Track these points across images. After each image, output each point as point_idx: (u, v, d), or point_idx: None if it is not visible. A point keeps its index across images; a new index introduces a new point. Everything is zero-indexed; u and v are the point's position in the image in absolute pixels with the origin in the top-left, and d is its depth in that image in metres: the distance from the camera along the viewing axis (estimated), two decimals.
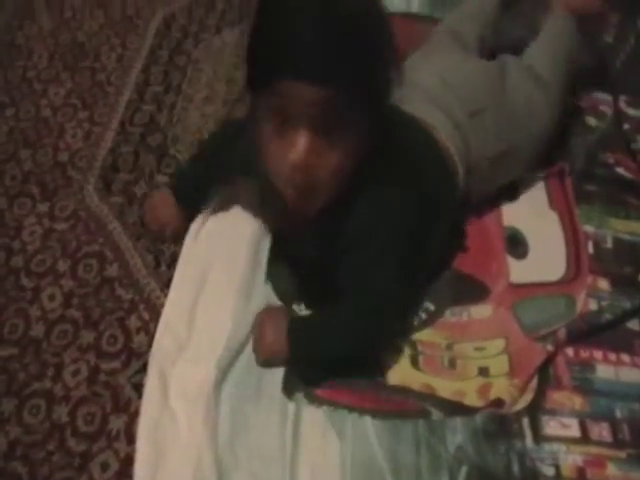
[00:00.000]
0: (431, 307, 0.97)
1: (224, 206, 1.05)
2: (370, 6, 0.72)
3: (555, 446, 0.84)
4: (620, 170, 1.14)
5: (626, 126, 1.21)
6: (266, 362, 0.89)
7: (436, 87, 1.01)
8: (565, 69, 1.14)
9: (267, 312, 0.92)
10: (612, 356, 0.92)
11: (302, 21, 0.68)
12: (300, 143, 0.71)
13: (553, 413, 0.86)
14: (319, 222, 0.82)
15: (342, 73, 0.68)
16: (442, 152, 0.95)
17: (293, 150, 0.71)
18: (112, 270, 1.03)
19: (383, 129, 0.76)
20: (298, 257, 0.96)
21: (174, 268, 1.01)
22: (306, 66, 0.68)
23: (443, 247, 0.98)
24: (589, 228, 1.06)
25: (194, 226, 1.04)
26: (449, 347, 0.93)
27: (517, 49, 1.18)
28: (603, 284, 0.99)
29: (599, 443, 0.84)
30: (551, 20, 1.20)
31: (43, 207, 1.13)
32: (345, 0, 0.69)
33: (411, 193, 0.83)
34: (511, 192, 1.09)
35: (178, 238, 1.03)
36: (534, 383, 0.89)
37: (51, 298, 1.01)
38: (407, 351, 0.92)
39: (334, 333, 0.87)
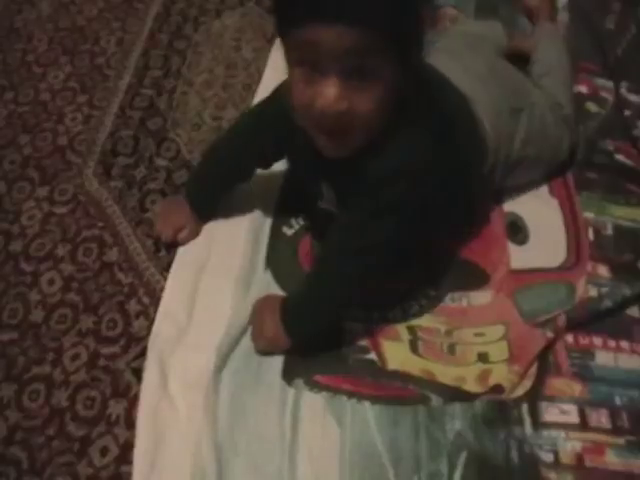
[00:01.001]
0: (431, 292, 0.96)
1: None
2: None
3: (554, 432, 0.84)
4: (620, 157, 1.14)
5: (627, 112, 1.21)
6: (265, 351, 0.89)
7: (485, 72, 1.01)
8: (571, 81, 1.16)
9: (265, 301, 0.92)
10: (611, 343, 0.92)
11: None
12: (329, 89, 0.70)
13: (552, 400, 0.87)
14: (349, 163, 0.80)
15: (373, 15, 0.67)
16: (477, 124, 0.94)
17: (323, 96, 0.70)
18: (112, 254, 1.03)
19: (417, 80, 0.75)
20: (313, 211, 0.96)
21: (173, 253, 1.01)
22: (334, 8, 0.66)
23: (453, 229, 0.98)
24: (589, 215, 1.06)
25: None
26: (448, 333, 0.93)
27: None
28: (603, 271, 0.99)
29: (598, 430, 0.84)
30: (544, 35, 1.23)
31: (42, 191, 1.13)
32: None
33: (442, 147, 0.81)
34: None
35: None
36: (533, 369, 0.89)
37: (50, 282, 1.00)
38: (406, 336, 0.92)
39: (322, 288, 0.88)
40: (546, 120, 1.03)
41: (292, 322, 0.88)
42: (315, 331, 0.90)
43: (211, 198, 1.03)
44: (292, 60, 0.73)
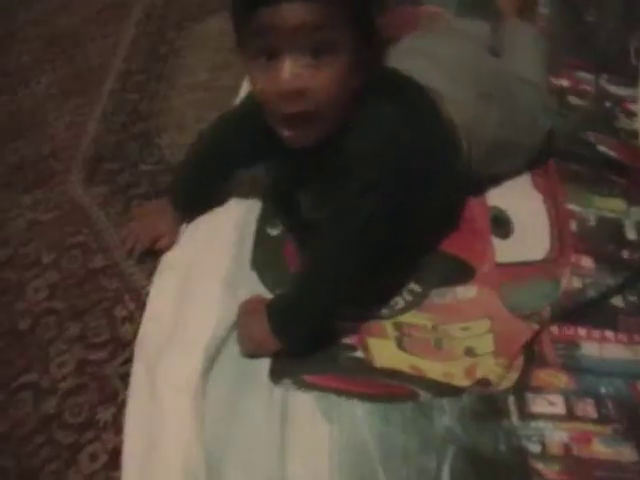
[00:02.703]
0: (416, 288, 0.97)
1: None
2: None
3: (541, 423, 0.84)
4: (602, 148, 1.14)
5: (608, 104, 1.21)
6: (253, 355, 0.89)
7: (451, 61, 1.01)
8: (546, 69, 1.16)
9: (249, 304, 0.92)
10: (596, 333, 0.92)
11: None
12: (282, 70, 0.70)
13: (539, 391, 0.87)
14: (316, 156, 0.80)
15: None
16: (445, 120, 0.94)
17: (279, 78, 0.70)
18: (97, 260, 1.03)
19: (379, 60, 0.75)
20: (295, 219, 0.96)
21: (158, 257, 1.00)
22: None
23: (434, 221, 0.98)
24: (573, 207, 1.06)
25: None
26: (435, 328, 0.93)
27: None
28: (587, 262, 1.00)
29: (584, 419, 0.84)
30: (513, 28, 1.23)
31: (26, 199, 1.13)
32: None
33: (412, 130, 0.81)
34: None
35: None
36: (519, 362, 0.89)
37: (36, 291, 1.00)
38: (393, 333, 0.92)
39: (313, 286, 0.87)
40: (519, 102, 1.03)
41: (281, 325, 0.87)
42: (306, 333, 0.89)
43: (195, 196, 1.03)
44: (249, 56, 0.74)
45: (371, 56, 0.74)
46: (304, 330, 0.89)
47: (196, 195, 1.03)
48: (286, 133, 0.77)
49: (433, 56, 1.01)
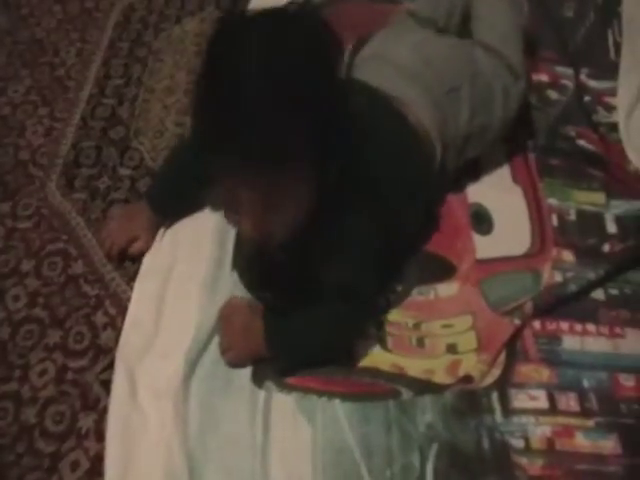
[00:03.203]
0: (398, 287, 0.97)
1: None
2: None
3: (524, 419, 0.84)
4: (582, 142, 1.15)
5: (587, 98, 1.21)
6: (236, 365, 0.88)
7: (415, 63, 1.00)
8: (521, 43, 1.12)
9: (229, 307, 0.91)
10: (578, 327, 0.93)
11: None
12: (245, 225, 0.78)
13: (521, 386, 0.87)
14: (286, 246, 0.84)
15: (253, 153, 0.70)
16: (416, 131, 0.94)
17: (242, 230, 0.79)
18: (77, 267, 1.02)
19: (335, 167, 0.76)
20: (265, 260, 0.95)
21: (139, 262, 1.00)
22: (219, 166, 0.74)
23: (416, 230, 0.99)
24: (553, 201, 1.07)
25: None
26: (416, 326, 0.93)
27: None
28: (568, 256, 1.00)
29: (567, 413, 0.85)
30: None
31: (5, 207, 1.11)
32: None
33: (381, 202, 0.83)
34: (475, 168, 1.09)
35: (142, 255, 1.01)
36: (502, 358, 0.89)
37: (15, 299, 0.99)
38: (375, 333, 0.92)
39: (320, 333, 0.88)
40: (492, 85, 1.02)
41: (278, 345, 0.87)
42: (303, 360, 0.89)
43: (173, 201, 1.03)
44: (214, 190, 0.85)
45: (331, 171, 0.76)
46: (301, 357, 0.89)
47: (174, 200, 1.03)
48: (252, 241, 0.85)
49: (396, 62, 1.00)
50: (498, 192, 1.07)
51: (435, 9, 1.17)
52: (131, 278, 0.99)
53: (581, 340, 0.91)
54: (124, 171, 1.15)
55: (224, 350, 0.89)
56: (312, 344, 0.89)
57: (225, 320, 0.90)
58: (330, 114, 0.72)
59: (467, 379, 0.88)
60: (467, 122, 0.99)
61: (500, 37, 1.09)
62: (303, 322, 0.88)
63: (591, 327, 0.92)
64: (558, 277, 0.97)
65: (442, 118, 0.96)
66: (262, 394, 0.86)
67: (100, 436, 0.84)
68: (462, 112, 0.98)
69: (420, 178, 0.94)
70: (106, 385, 0.88)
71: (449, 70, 1.01)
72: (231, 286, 0.96)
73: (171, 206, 1.02)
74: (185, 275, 0.97)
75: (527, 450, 0.82)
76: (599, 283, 0.96)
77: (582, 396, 0.86)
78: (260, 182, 0.72)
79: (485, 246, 1.01)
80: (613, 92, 1.22)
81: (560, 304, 0.94)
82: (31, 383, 0.90)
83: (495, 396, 0.86)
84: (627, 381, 0.88)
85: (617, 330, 0.92)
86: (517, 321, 0.92)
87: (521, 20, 1.15)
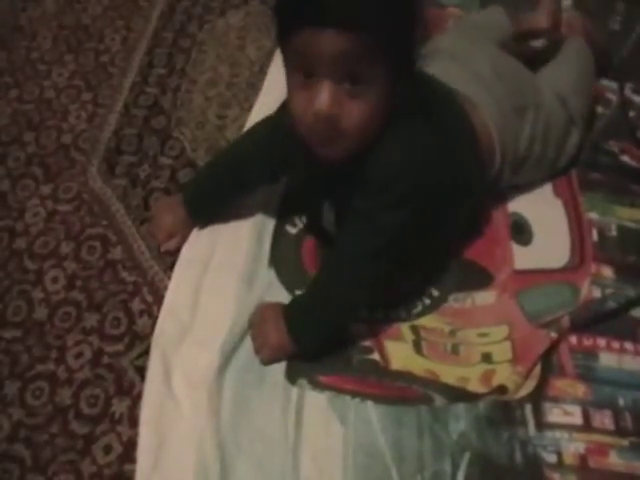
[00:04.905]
0: (435, 293, 0.96)
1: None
2: None
3: (557, 434, 0.84)
4: (625, 158, 1.14)
5: (632, 113, 1.20)
6: (270, 361, 0.88)
7: (491, 75, 1.00)
8: (588, 94, 1.14)
9: (265, 310, 0.91)
10: (615, 344, 0.92)
11: None
12: (322, 94, 0.71)
13: (556, 401, 0.86)
14: (345, 170, 0.81)
15: (364, 21, 0.67)
16: (478, 133, 0.94)
17: (316, 101, 0.71)
18: (115, 253, 1.03)
19: (413, 85, 0.75)
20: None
21: (177, 251, 1.00)
22: (324, 14, 0.67)
23: (456, 235, 0.98)
24: (594, 216, 1.06)
25: None
26: (452, 333, 0.92)
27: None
28: (607, 272, 0.99)
29: (601, 431, 0.84)
30: (570, 43, 1.20)
31: (46, 189, 1.13)
32: None
33: (440, 147, 0.81)
34: None
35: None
36: (537, 370, 0.89)
37: (54, 280, 1.00)
38: (410, 337, 0.92)
39: (331, 292, 0.87)
40: (552, 120, 1.03)
41: (297, 327, 0.87)
42: (324, 337, 0.89)
43: (209, 204, 1.02)
44: (289, 67, 0.75)
45: (406, 85, 0.74)
46: (320, 333, 0.89)
47: (210, 208, 1.03)
48: (317, 149, 0.78)
49: (475, 70, 1.00)
50: (538, 204, 1.07)
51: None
52: (168, 267, 1.00)
53: (618, 358, 0.90)
54: (165, 160, 1.16)
55: (257, 348, 0.89)
56: (331, 304, 0.87)
57: (260, 322, 0.90)
58: (413, 49, 0.73)
59: (501, 390, 0.87)
60: (526, 146, 0.99)
61: (569, 84, 1.09)
62: (319, 291, 0.88)
63: (629, 345, 0.91)
64: (597, 293, 0.97)
65: (507, 130, 0.96)
66: (295, 391, 0.86)
67: (133, 422, 0.84)
68: (524, 133, 0.99)
69: (471, 179, 0.93)
70: (141, 371, 0.89)
71: (518, 89, 1.01)
72: (268, 281, 0.96)
73: (207, 211, 1.03)
74: (222, 267, 0.98)
75: (560, 465, 0.81)
76: (639, 301, 0.95)
77: (617, 414, 0.85)
78: (360, 43, 0.68)
79: (524, 257, 1.00)
80: None
81: (598, 320, 0.93)
82: (67, 365, 0.91)
83: (529, 409, 0.86)
84: None
85: None
86: (553, 334, 0.92)
87: (590, 67, 1.16)
